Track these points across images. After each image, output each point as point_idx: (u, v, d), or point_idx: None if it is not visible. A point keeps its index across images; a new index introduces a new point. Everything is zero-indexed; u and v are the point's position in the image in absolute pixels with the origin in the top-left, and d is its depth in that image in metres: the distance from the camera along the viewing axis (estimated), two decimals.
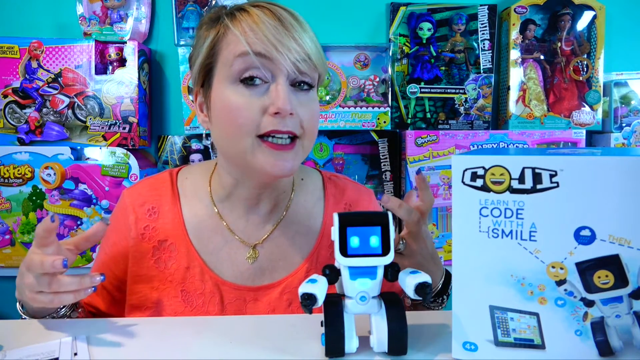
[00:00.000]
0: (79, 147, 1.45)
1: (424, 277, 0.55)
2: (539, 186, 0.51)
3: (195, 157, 1.53)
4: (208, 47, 0.74)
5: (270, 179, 0.77)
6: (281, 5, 0.75)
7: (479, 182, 0.52)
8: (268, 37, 0.70)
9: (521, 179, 0.51)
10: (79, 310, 0.77)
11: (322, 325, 0.57)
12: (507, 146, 1.44)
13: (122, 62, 1.47)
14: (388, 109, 1.47)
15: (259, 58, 0.70)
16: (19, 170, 1.43)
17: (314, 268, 0.82)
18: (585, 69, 1.52)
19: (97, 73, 1.44)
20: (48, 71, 1.43)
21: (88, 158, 1.45)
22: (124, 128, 1.45)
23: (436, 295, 0.77)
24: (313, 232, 0.85)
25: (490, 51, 1.52)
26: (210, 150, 1.51)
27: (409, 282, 0.55)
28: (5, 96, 1.43)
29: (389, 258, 0.55)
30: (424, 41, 1.51)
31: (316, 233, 0.85)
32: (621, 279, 0.50)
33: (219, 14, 0.76)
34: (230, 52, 0.71)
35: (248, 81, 0.71)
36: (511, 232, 0.52)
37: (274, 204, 0.83)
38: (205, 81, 0.76)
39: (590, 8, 1.50)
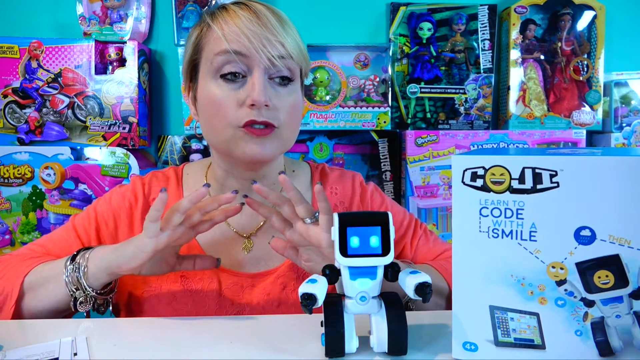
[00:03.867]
0: (78, 147, 1.44)
1: (424, 277, 0.55)
2: (539, 186, 0.51)
3: (195, 157, 1.53)
4: (192, 44, 0.80)
5: (252, 164, 0.80)
6: (261, 3, 0.79)
7: (479, 182, 0.52)
8: (242, 29, 0.74)
9: (521, 179, 0.51)
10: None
11: (322, 325, 0.57)
12: (507, 146, 1.44)
13: (122, 62, 1.47)
14: (388, 109, 1.47)
15: (235, 54, 0.74)
16: (18, 170, 1.43)
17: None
18: (585, 69, 1.52)
19: (97, 73, 1.44)
20: (48, 71, 1.43)
21: (88, 158, 1.44)
22: (124, 128, 1.45)
23: None
24: None
25: (490, 51, 1.52)
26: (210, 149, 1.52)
27: (409, 282, 0.55)
28: (5, 96, 1.43)
29: (389, 258, 0.55)
30: (424, 41, 1.51)
31: None
32: (621, 279, 0.50)
33: (204, 14, 0.82)
34: (211, 49, 0.77)
35: (227, 76, 0.76)
36: (511, 232, 0.52)
37: None
38: (192, 77, 0.82)
39: (590, 8, 1.50)
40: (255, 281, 0.82)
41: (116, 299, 0.84)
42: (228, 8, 0.78)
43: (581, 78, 1.52)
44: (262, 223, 0.85)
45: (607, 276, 0.50)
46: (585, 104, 1.52)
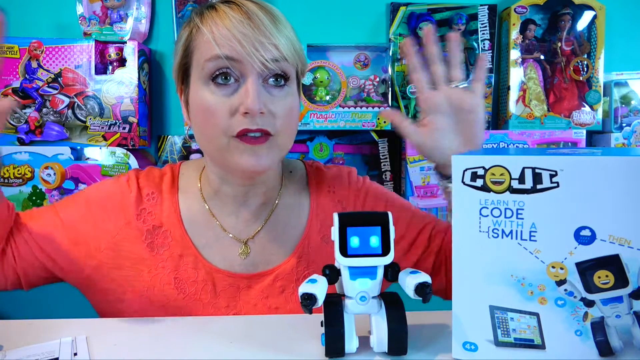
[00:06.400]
0: (79, 147, 1.44)
1: (424, 277, 0.55)
2: (539, 186, 0.51)
3: (195, 157, 1.53)
4: (182, 47, 0.77)
5: (248, 175, 0.78)
6: (254, 0, 0.75)
7: (479, 182, 0.52)
8: (233, 32, 0.70)
9: (521, 179, 0.51)
10: None
11: (322, 325, 0.57)
12: (507, 146, 1.44)
13: (122, 62, 1.47)
14: (388, 109, 1.47)
15: (227, 59, 0.71)
16: (19, 170, 1.43)
17: (305, 253, 0.83)
18: (585, 69, 1.52)
19: (97, 73, 1.44)
20: (48, 71, 1.43)
21: (88, 158, 1.44)
22: (124, 128, 1.45)
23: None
24: (302, 220, 0.85)
25: (490, 51, 1.52)
26: None
27: (408, 282, 0.55)
28: (5, 96, 1.43)
29: (389, 258, 0.55)
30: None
31: (304, 220, 0.85)
32: (621, 279, 0.50)
33: (192, 13, 0.78)
34: (201, 55, 0.73)
35: (219, 80, 0.72)
36: (511, 232, 0.52)
37: (264, 199, 0.84)
38: (184, 80, 0.79)
39: (590, 8, 1.50)
40: (252, 282, 0.81)
41: (101, 308, 0.83)
42: (218, 8, 0.74)
43: (581, 78, 1.52)
44: (259, 228, 0.83)
45: (607, 276, 0.50)
46: (585, 104, 1.52)
